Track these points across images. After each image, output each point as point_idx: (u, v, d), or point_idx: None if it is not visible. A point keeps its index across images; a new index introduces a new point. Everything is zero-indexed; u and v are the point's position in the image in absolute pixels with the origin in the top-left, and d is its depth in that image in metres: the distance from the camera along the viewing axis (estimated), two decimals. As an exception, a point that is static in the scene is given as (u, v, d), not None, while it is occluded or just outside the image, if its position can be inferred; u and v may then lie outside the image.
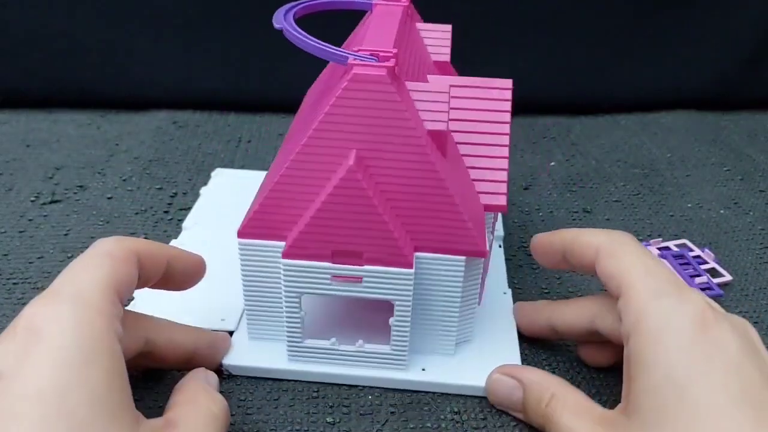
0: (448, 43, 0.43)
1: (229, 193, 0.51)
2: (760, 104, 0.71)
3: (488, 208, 0.35)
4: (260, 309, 0.36)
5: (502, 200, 0.35)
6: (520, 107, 0.67)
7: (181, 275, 0.33)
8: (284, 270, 0.33)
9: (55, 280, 0.28)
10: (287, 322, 0.34)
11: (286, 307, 0.34)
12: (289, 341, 0.35)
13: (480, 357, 0.36)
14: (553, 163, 0.59)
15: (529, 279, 0.44)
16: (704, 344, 0.27)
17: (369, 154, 0.31)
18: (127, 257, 0.29)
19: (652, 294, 0.29)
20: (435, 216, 0.32)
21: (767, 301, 0.43)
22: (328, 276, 0.33)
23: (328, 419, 0.34)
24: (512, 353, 0.37)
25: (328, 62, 0.44)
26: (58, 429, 0.23)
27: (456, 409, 0.34)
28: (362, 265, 0.32)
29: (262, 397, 0.35)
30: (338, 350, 0.35)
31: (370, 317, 0.37)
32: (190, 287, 0.34)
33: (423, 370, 0.36)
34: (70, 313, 0.25)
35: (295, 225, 0.32)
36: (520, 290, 0.43)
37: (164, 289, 0.34)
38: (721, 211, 0.53)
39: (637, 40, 0.67)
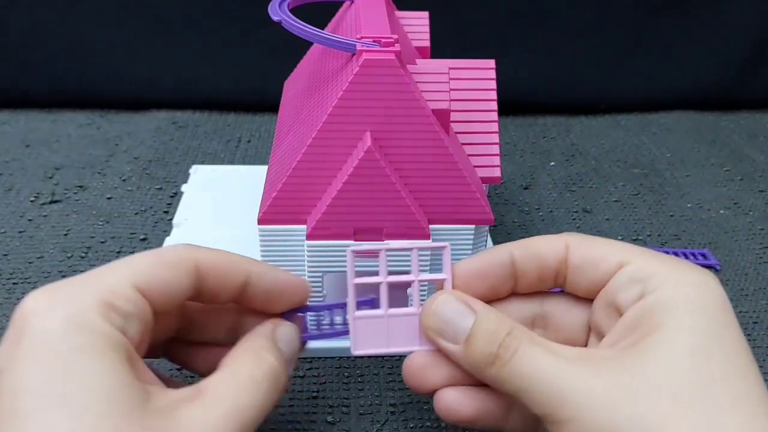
0: (427, 29, 0.45)
1: (211, 189, 0.51)
2: (760, 104, 0.71)
3: (485, 180, 0.37)
4: None
5: (496, 172, 0.37)
6: (520, 107, 0.68)
7: (265, 295, 0.28)
8: (308, 251, 0.34)
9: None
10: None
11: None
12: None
13: None
14: (552, 163, 0.59)
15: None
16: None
17: (381, 134, 0.33)
18: (177, 262, 0.26)
19: (650, 260, 0.27)
20: (446, 189, 0.34)
21: (767, 301, 0.43)
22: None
23: (328, 419, 0.34)
24: None
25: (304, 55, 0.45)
26: (55, 418, 0.22)
27: (456, 409, 0.34)
28: (383, 240, 0.34)
29: (262, 397, 0.35)
30: None
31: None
32: (281, 310, 0.29)
33: None
34: (56, 299, 0.24)
35: (314, 208, 0.34)
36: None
37: (250, 307, 0.29)
38: (721, 211, 0.53)
39: (637, 40, 0.67)
